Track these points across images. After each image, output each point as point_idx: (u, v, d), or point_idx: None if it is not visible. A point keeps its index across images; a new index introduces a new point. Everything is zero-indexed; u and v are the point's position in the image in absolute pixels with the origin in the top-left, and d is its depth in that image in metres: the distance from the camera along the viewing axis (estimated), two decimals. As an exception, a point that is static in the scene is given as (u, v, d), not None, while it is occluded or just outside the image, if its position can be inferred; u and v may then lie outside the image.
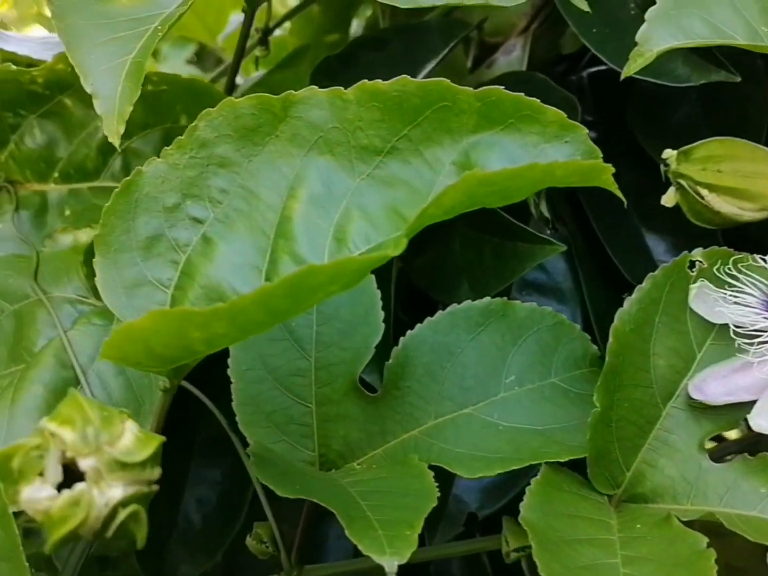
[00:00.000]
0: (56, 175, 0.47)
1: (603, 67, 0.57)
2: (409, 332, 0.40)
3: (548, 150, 0.31)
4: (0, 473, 0.24)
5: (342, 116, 0.33)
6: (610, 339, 0.36)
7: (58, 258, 0.42)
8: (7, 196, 0.46)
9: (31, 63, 0.56)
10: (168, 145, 0.46)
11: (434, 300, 0.48)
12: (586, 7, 0.38)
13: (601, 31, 0.46)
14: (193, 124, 0.34)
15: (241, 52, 0.50)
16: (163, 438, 0.24)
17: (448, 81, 0.31)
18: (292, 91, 0.33)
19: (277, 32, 0.66)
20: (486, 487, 0.45)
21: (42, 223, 0.45)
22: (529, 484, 0.45)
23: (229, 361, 0.39)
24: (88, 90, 0.34)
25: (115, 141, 0.33)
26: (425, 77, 0.49)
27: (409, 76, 0.32)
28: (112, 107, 0.34)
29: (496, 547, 0.39)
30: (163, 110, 0.45)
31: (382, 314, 0.39)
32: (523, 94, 0.31)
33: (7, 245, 0.44)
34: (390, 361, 0.39)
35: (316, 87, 0.33)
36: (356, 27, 0.72)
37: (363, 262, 0.25)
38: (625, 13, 0.47)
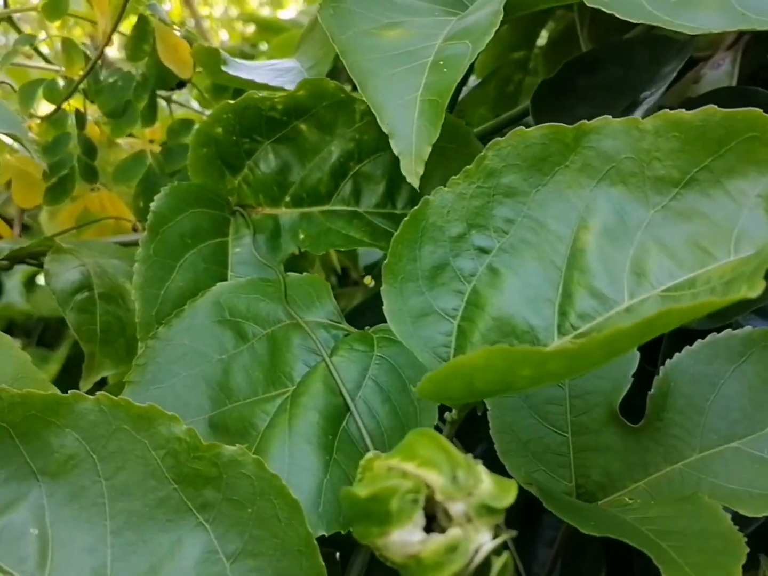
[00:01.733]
0: (288, 199, 0.47)
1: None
2: (668, 362, 0.38)
3: None
4: (362, 511, 0.24)
5: (637, 146, 0.32)
6: None
7: (306, 282, 0.42)
8: (242, 220, 0.47)
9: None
10: (395, 168, 0.46)
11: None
12: None
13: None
14: (481, 153, 0.33)
15: (464, 80, 0.49)
16: (516, 482, 0.24)
17: (760, 111, 0.30)
18: (585, 121, 0.33)
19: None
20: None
21: (276, 246, 0.46)
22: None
23: (483, 388, 0.38)
24: (385, 129, 0.35)
25: (414, 182, 0.33)
26: (648, 109, 0.48)
27: (715, 106, 0.31)
28: (408, 147, 0.34)
29: (752, 584, 0.38)
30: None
31: (636, 343, 0.39)
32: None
33: (247, 269, 0.45)
34: (652, 391, 0.38)
35: (610, 117, 0.33)
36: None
37: (724, 302, 0.24)
38: None
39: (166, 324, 0.40)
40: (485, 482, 0.23)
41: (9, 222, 0.59)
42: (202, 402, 0.39)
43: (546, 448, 0.38)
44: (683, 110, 0.31)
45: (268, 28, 1.67)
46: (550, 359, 0.26)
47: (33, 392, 0.30)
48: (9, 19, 0.59)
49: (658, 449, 0.38)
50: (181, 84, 0.60)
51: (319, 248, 0.45)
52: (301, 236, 0.46)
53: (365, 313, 0.57)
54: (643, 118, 0.47)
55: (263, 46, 1.62)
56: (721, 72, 0.57)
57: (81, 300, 0.49)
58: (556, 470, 0.38)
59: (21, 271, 1.08)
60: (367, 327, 0.41)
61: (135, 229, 0.60)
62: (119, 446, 0.30)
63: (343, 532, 0.33)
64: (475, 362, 0.26)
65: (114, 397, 0.30)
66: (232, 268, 0.45)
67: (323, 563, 0.29)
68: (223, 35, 1.83)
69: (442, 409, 0.36)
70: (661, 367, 0.38)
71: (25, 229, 0.69)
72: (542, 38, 0.72)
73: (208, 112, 0.67)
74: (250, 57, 1.75)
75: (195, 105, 0.76)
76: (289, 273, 0.43)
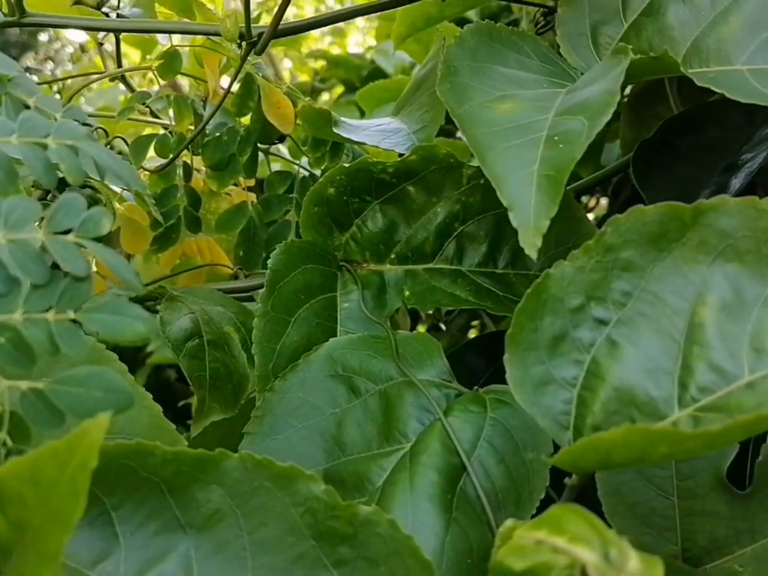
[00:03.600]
0: (393, 256, 0.49)
1: None
2: (774, 429, 0.39)
3: None
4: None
5: (754, 225, 0.33)
6: None
7: (416, 340, 0.44)
8: (349, 276, 0.49)
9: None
10: (497, 229, 0.48)
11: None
12: None
13: None
14: (602, 229, 0.35)
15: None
16: (660, 559, 0.25)
17: None
18: (703, 200, 0.34)
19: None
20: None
21: (382, 302, 0.48)
22: None
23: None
24: (504, 202, 0.36)
25: (533, 254, 0.35)
26: (749, 173, 0.49)
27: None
28: (527, 221, 0.35)
29: None
30: (497, 198, 0.48)
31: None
32: None
33: (355, 324, 0.47)
34: (760, 458, 0.39)
35: (727, 196, 0.34)
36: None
37: None
38: None
39: (282, 377, 0.43)
40: (633, 559, 0.24)
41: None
42: (316, 454, 0.41)
43: (653, 511, 0.39)
44: (802, 193, 0.33)
45: (339, 64, 1.71)
46: (690, 439, 0.27)
47: (184, 450, 0.32)
48: (122, 78, 0.62)
49: (765, 516, 0.38)
50: (281, 138, 0.63)
51: (425, 306, 0.47)
52: (407, 293, 0.48)
53: (456, 363, 0.58)
54: (744, 181, 0.49)
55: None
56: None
57: (192, 347, 0.51)
58: (663, 533, 0.39)
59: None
60: (476, 387, 0.43)
61: (236, 276, 0.62)
62: (261, 503, 0.32)
63: (464, 591, 0.34)
64: (614, 438, 0.27)
65: (257, 456, 0.32)
66: (341, 323, 0.47)
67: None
68: (287, 63, 1.88)
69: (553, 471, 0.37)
70: (768, 434, 0.39)
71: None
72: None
73: (300, 161, 0.69)
74: (320, 91, 1.80)
75: (285, 152, 0.78)
76: (398, 331, 0.45)
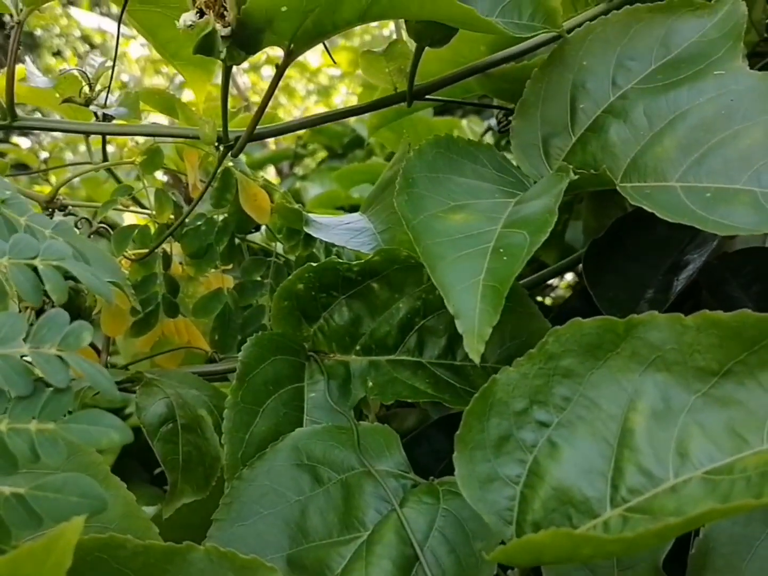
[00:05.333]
0: (358, 348, 0.53)
1: None
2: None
3: None
4: None
5: (680, 339, 0.37)
6: None
7: (377, 432, 0.47)
8: (316, 366, 0.52)
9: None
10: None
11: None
12: None
13: None
14: (544, 339, 0.38)
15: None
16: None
17: (788, 318, 0.35)
18: (635, 315, 0.38)
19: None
20: None
21: (347, 391, 0.51)
22: None
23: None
24: (450, 310, 0.39)
25: (476, 358, 0.38)
26: (692, 274, 0.53)
27: (749, 310, 0.35)
28: (472, 327, 0.38)
29: None
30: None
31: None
32: None
33: (321, 413, 0.50)
34: (693, 550, 0.42)
35: (656, 312, 0.37)
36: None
37: (759, 504, 0.29)
38: None
39: (249, 466, 0.45)
40: None
41: (96, 349, 0.64)
42: (281, 540, 0.43)
43: (596, 600, 0.42)
44: (721, 311, 0.36)
45: (321, 131, 1.76)
46: (609, 544, 0.30)
47: (154, 543, 0.34)
48: (109, 170, 0.66)
49: (699, 605, 0.41)
50: (257, 227, 0.66)
51: (387, 397, 0.50)
52: (370, 383, 0.51)
53: (422, 443, 0.61)
54: (686, 281, 0.52)
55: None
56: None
57: (166, 431, 0.54)
58: (606, 624, 0.42)
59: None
60: (431, 478, 0.45)
61: (212, 360, 0.65)
62: (224, 593, 0.34)
63: None
64: (543, 540, 0.30)
65: (222, 549, 0.35)
66: (308, 413, 0.50)
67: None
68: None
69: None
70: (701, 528, 0.42)
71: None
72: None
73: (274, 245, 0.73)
74: (302, 157, 1.85)
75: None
76: (360, 422, 0.48)
